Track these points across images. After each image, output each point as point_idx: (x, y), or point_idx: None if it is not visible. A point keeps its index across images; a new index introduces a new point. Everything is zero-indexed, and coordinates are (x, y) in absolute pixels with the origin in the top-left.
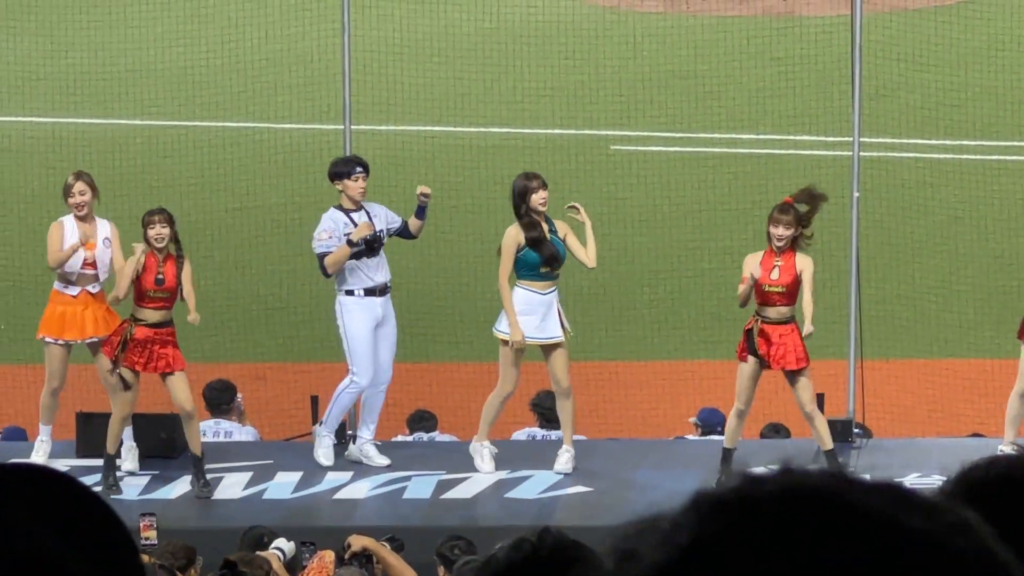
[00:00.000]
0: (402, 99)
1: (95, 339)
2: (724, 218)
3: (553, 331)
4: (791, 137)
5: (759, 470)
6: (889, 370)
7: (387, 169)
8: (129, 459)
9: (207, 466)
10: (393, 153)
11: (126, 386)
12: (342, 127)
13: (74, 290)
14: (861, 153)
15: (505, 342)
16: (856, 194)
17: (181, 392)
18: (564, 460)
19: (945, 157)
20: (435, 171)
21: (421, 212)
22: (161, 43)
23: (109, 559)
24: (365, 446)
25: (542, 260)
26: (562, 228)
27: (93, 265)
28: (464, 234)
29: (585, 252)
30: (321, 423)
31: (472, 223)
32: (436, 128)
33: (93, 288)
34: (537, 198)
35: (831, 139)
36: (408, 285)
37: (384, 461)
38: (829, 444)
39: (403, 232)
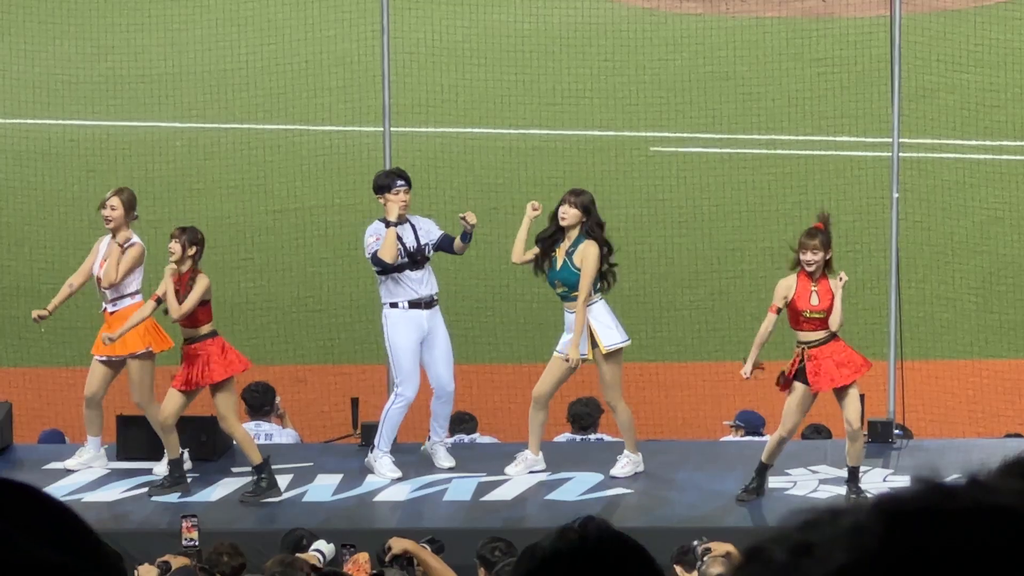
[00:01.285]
0: (441, 101)
1: (112, 358)
2: (764, 219)
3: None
4: (831, 138)
5: (946, 479)
6: (929, 371)
7: (427, 171)
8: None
9: (245, 468)
10: (432, 155)
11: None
12: (382, 129)
13: (101, 306)
14: (901, 154)
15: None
16: (896, 195)
17: (220, 406)
18: (622, 464)
19: (985, 158)
20: (474, 173)
21: (466, 237)
22: (201, 46)
23: (81, 551)
24: (435, 446)
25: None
26: (580, 253)
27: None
28: (504, 236)
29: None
30: (374, 446)
31: (512, 225)
32: (475, 130)
33: (112, 307)
34: (560, 211)
35: (870, 140)
36: (448, 287)
37: (448, 463)
38: (858, 462)
39: (445, 246)
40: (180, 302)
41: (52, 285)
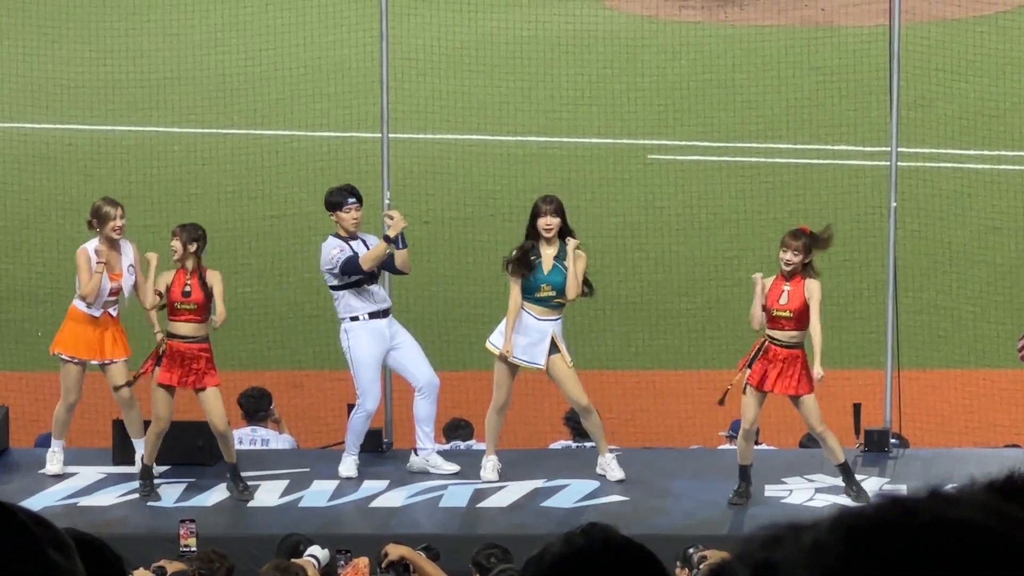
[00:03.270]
0: (440, 107)
1: (109, 361)
2: (762, 227)
3: (537, 358)
4: (829, 147)
5: (904, 494)
6: (926, 380)
7: (424, 178)
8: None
9: (244, 473)
10: (430, 161)
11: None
12: (380, 135)
13: (96, 311)
14: (899, 163)
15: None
16: (894, 204)
17: (214, 410)
18: (613, 467)
19: (983, 167)
20: (472, 180)
21: (400, 241)
22: (199, 51)
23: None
24: (431, 456)
25: None
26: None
27: (118, 292)
28: (501, 242)
29: (571, 283)
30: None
31: (509, 232)
32: (474, 137)
33: (114, 311)
34: (543, 223)
35: (869, 149)
36: (445, 293)
37: (452, 468)
38: (840, 458)
39: (389, 266)
40: (189, 295)
41: (49, 289)
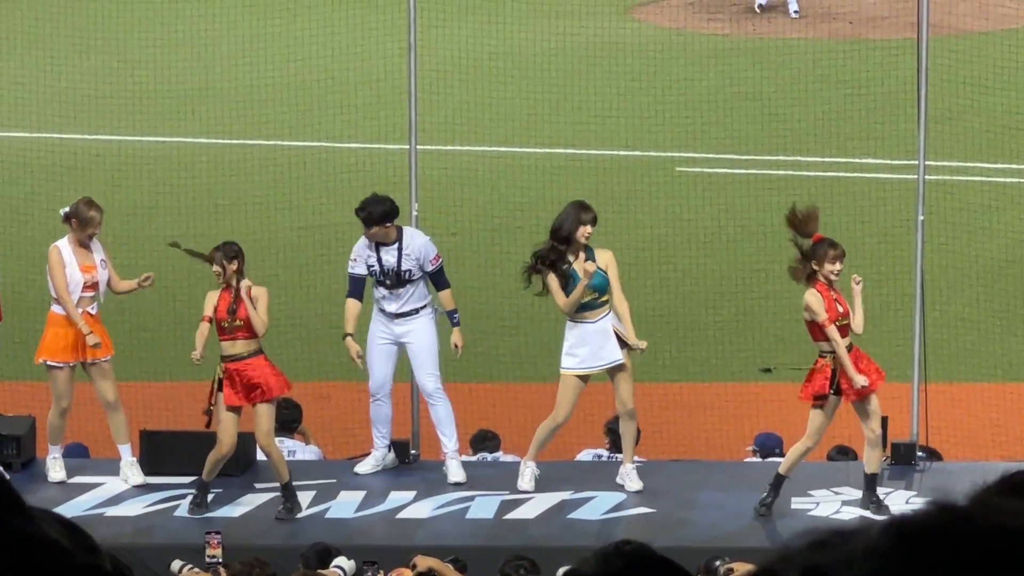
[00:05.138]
0: (468, 119)
1: (98, 361)
2: (789, 241)
3: (611, 355)
4: (856, 160)
5: (954, 500)
6: (953, 393)
7: (452, 189)
8: (133, 473)
9: (269, 484)
10: (458, 173)
11: (209, 422)
12: (407, 147)
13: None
14: (926, 176)
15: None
16: (921, 217)
17: (262, 425)
18: (632, 478)
19: (1010, 181)
20: (500, 191)
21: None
22: (227, 62)
23: None
24: (448, 460)
25: None
26: (603, 258)
27: (93, 287)
28: (528, 254)
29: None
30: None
31: (536, 244)
32: (501, 148)
33: (92, 309)
34: (585, 232)
35: (896, 162)
36: (472, 305)
37: (457, 478)
38: (875, 470)
39: (437, 281)
40: (234, 312)
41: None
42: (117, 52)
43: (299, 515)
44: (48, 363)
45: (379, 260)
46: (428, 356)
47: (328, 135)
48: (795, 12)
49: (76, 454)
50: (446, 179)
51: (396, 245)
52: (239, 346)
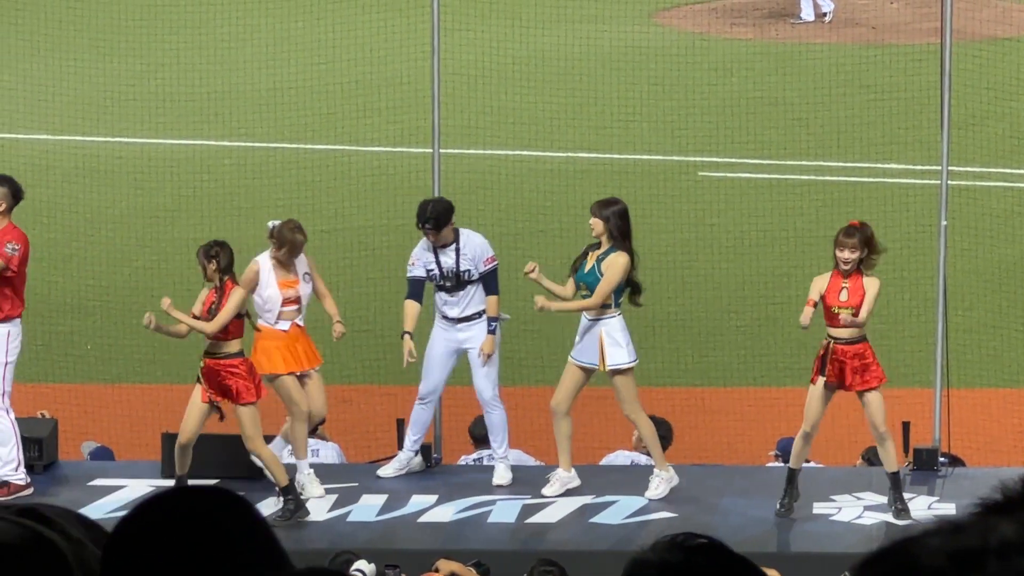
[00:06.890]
0: (490, 123)
1: (308, 371)
2: (811, 245)
3: (585, 357)
4: (879, 165)
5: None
6: (975, 399)
7: (475, 193)
8: (311, 485)
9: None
10: (481, 177)
11: (221, 416)
12: (431, 150)
13: (284, 325)
14: (949, 182)
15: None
16: (944, 223)
17: (243, 429)
18: (655, 484)
19: None
20: (522, 195)
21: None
22: (250, 65)
23: None
24: (496, 463)
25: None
26: (610, 260)
27: (296, 301)
28: (551, 259)
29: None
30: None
31: (559, 248)
32: (524, 152)
33: (300, 321)
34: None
35: (919, 167)
36: None
37: (501, 480)
38: (894, 467)
39: (487, 284)
40: (214, 314)
41: (99, 302)
42: (140, 55)
43: (308, 519)
44: (269, 376)
45: (438, 262)
46: (490, 363)
47: (351, 138)
48: (826, 16)
49: (101, 457)
50: (468, 183)
51: (454, 246)
52: (217, 345)
